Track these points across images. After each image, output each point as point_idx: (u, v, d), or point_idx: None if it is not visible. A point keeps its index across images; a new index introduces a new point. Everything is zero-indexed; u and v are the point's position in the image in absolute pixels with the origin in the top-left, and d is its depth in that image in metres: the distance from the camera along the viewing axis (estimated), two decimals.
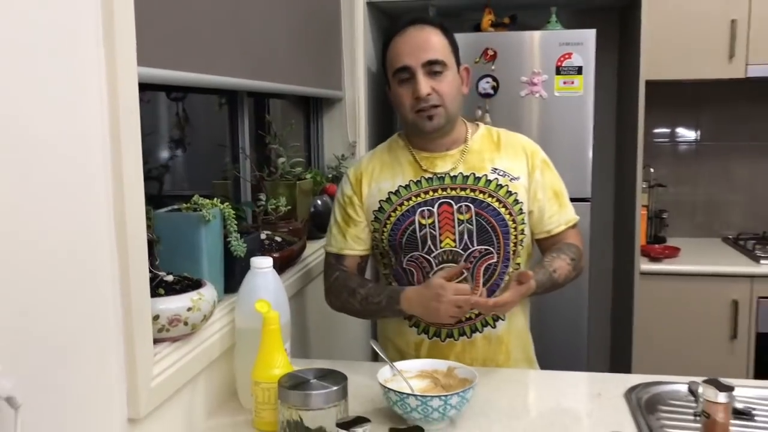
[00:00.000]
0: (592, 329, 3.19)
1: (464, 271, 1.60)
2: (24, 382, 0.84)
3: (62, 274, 0.93)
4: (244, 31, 1.76)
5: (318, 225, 2.19)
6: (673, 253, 2.93)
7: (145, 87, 1.71)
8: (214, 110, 2.34)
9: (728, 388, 1.22)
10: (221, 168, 2.15)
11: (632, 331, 2.84)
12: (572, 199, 2.69)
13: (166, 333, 1.19)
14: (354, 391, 1.44)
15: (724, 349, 2.79)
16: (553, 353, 2.78)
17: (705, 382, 1.23)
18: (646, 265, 2.84)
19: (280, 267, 1.73)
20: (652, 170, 3.22)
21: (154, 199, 1.44)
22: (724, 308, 2.78)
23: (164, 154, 2.23)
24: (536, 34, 2.75)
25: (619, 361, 3.09)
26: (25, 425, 0.80)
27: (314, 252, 2.09)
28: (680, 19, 2.86)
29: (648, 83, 2.81)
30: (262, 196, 1.92)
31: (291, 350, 1.85)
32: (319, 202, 2.21)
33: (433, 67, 1.58)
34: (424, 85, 1.57)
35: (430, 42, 1.59)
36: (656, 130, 3.34)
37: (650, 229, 3.21)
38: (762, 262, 2.79)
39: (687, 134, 3.35)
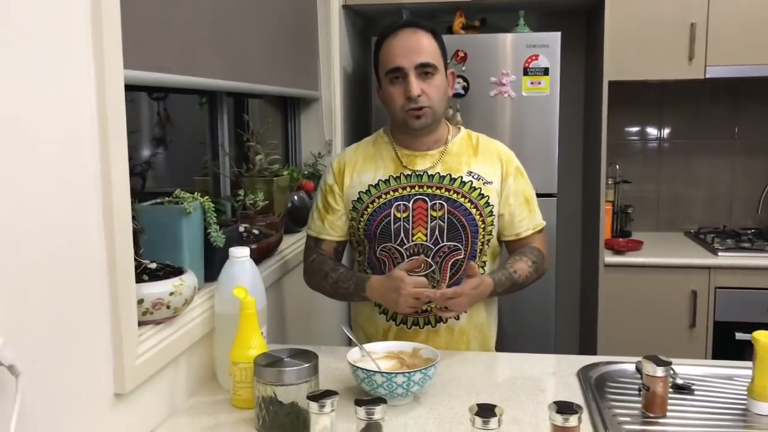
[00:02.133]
0: (561, 319, 3.33)
1: (432, 263, 1.71)
2: (21, 357, 0.94)
3: (57, 260, 1.03)
4: (223, 33, 1.85)
5: (294, 219, 2.29)
6: (636, 246, 3.06)
7: (127, 87, 1.80)
8: (195, 109, 2.43)
9: (666, 363, 1.34)
10: (202, 165, 2.24)
11: (597, 320, 2.97)
12: (539, 195, 2.82)
13: (150, 316, 1.29)
14: (327, 373, 1.56)
15: (684, 336, 2.93)
16: (524, 340, 2.92)
17: (645, 358, 1.36)
18: (610, 258, 2.97)
19: (258, 258, 1.83)
20: (617, 167, 3.35)
21: (136, 195, 1.52)
22: (684, 298, 2.92)
23: (147, 151, 2.31)
24: (504, 37, 2.87)
25: (587, 349, 3.22)
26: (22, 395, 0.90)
27: (291, 244, 2.18)
28: (642, 22, 3.00)
29: (614, 83, 2.95)
30: (242, 192, 2.01)
31: (270, 336, 1.95)
32: (295, 197, 2.31)
33: (424, 69, 1.68)
34: (416, 86, 1.67)
35: (422, 45, 1.69)
36: (622, 129, 3.47)
37: (616, 223, 3.34)
38: (720, 254, 2.93)
39: (651, 132, 3.49)
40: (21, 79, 0.95)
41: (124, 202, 1.17)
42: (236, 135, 2.28)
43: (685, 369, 1.55)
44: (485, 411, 1.10)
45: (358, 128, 3.14)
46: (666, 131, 3.48)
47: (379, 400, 1.15)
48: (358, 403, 1.14)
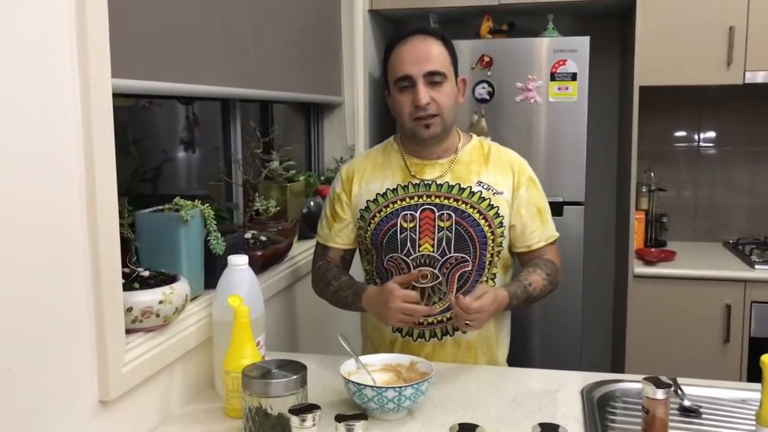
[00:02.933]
0: (590, 331, 3.25)
1: (439, 275, 1.68)
2: None
3: (35, 270, 1.04)
4: (233, 41, 1.85)
5: (310, 225, 2.28)
6: (669, 256, 2.96)
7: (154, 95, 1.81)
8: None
9: (667, 385, 1.28)
10: (215, 171, 2.26)
11: (626, 333, 2.89)
12: (566, 203, 2.78)
13: (139, 324, 1.29)
14: (326, 384, 1.55)
15: (717, 352, 2.82)
16: (549, 354, 2.86)
17: (645, 379, 1.29)
18: (640, 269, 2.88)
19: (264, 264, 1.83)
20: (652, 174, 3.25)
21: (163, 198, 1.52)
22: (717, 312, 2.80)
23: (177, 154, 2.35)
24: (531, 41, 2.81)
25: (618, 365, 3.13)
26: None
27: (305, 250, 2.18)
28: (677, 25, 2.90)
29: (650, 88, 2.86)
30: (256, 198, 2.01)
31: (280, 343, 1.96)
32: (311, 203, 2.30)
33: (433, 78, 1.65)
34: (424, 94, 1.64)
35: (432, 53, 1.66)
36: (659, 135, 3.36)
37: (650, 232, 3.24)
38: (757, 267, 2.81)
39: (690, 139, 3.37)
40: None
41: (109, 211, 1.18)
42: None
43: (696, 390, 1.48)
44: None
45: (382, 133, 3.12)
46: (705, 138, 3.36)
47: (360, 416, 1.13)
48: (338, 418, 1.12)
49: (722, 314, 2.80)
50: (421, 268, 1.70)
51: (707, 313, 2.81)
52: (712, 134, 3.35)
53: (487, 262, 1.72)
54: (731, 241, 3.23)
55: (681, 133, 3.38)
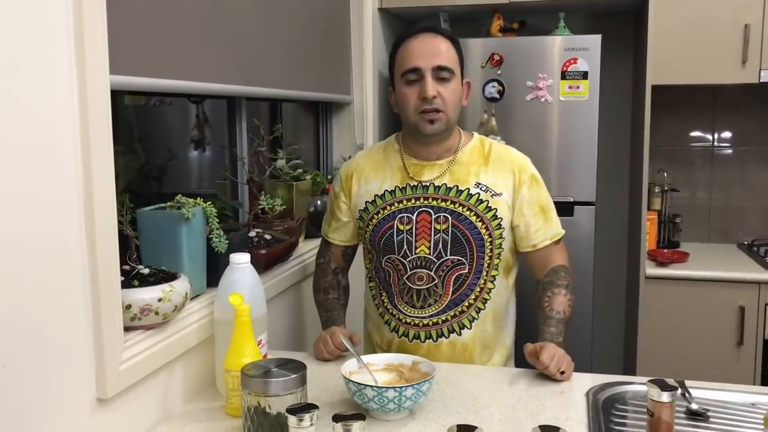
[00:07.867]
0: (601, 333, 3.21)
1: (435, 277, 1.68)
2: None
3: (31, 266, 1.03)
4: (239, 38, 1.84)
5: (317, 224, 2.27)
6: (682, 258, 2.92)
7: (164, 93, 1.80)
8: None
9: (672, 388, 1.26)
10: (221, 169, 2.25)
11: (637, 335, 2.85)
12: (577, 203, 2.75)
13: (138, 321, 1.28)
14: (331, 382, 1.53)
15: (731, 355, 2.77)
16: None
17: (650, 381, 1.27)
18: (652, 270, 2.84)
19: (268, 263, 1.83)
20: (665, 174, 3.21)
21: (173, 196, 1.52)
22: (731, 314, 2.76)
23: (188, 152, 2.35)
24: (542, 40, 2.79)
25: (630, 368, 3.09)
26: None
27: (311, 249, 2.17)
28: (691, 23, 2.86)
29: (664, 87, 2.83)
30: (262, 196, 2.01)
31: (285, 341, 1.95)
32: (318, 202, 2.29)
33: (441, 73, 1.65)
34: (432, 87, 1.64)
35: (441, 49, 1.67)
36: (673, 135, 3.32)
37: (663, 233, 3.20)
38: None
39: (703, 138, 3.32)
40: None
41: (107, 208, 1.17)
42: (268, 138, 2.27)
43: (705, 393, 1.46)
44: None
45: (391, 132, 3.08)
46: (720, 137, 3.31)
47: (358, 416, 1.11)
48: (336, 418, 1.11)
49: (736, 316, 2.75)
50: (416, 270, 1.69)
51: (721, 316, 2.77)
52: (727, 134, 3.30)
53: (486, 265, 1.70)
54: (746, 243, 3.18)
55: (695, 133, 3.33)
